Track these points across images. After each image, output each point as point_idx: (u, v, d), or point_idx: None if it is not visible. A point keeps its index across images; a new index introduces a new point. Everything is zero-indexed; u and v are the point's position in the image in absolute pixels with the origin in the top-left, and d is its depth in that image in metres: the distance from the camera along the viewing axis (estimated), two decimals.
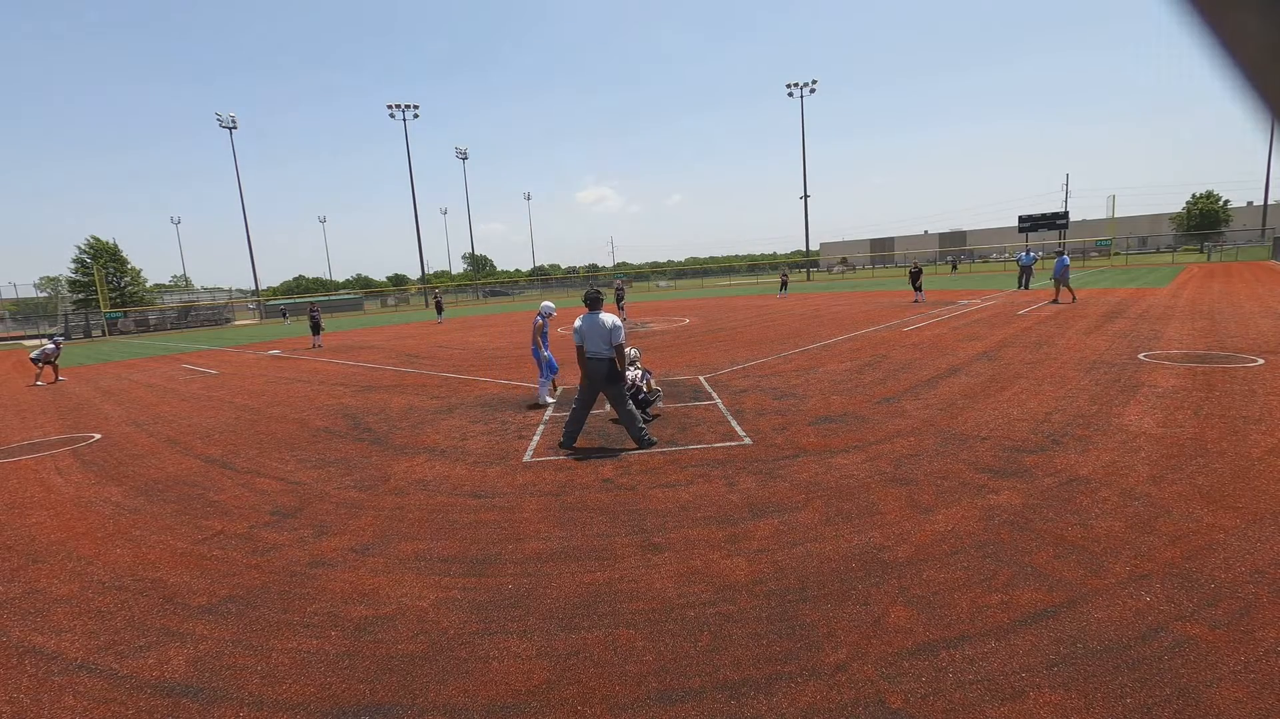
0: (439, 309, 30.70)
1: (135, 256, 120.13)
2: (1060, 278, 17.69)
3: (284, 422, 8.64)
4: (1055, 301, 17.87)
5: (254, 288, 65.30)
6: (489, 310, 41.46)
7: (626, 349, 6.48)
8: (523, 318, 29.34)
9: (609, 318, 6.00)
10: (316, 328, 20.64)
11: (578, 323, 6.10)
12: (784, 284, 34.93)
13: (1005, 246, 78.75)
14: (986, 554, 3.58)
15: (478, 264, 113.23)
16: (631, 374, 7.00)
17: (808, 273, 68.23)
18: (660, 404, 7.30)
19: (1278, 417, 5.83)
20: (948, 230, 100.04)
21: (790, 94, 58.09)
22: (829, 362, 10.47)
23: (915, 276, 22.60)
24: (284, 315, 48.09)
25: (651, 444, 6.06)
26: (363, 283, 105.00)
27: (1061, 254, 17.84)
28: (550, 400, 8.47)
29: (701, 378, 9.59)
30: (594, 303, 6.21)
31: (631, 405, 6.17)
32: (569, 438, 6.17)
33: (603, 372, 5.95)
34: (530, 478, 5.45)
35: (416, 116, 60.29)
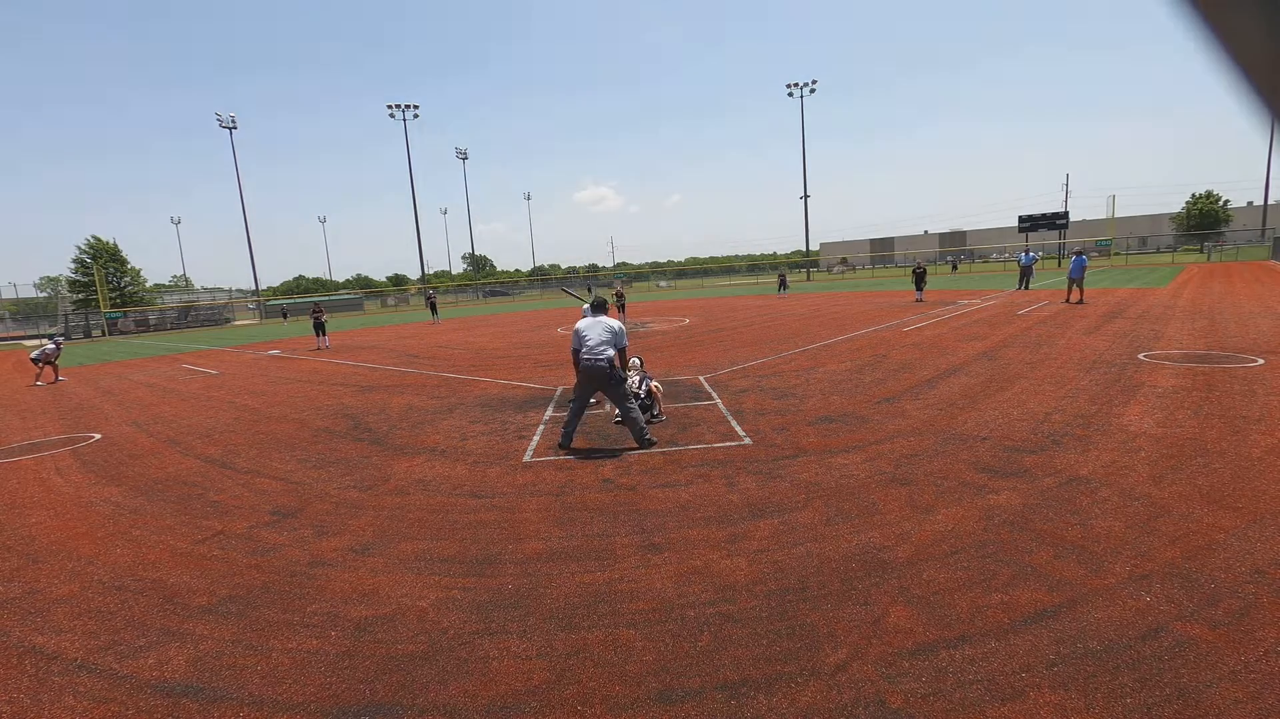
0: (433, 309, 30.66)
1: (135, 257, 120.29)
2: (1077, 278, 17.32)
3: (284, 422, 8.64)
4: (1068, 301, 17.61)
5: (254, 288, 65.32)
6: (489, 310, 41.45)
7: (631, 358, 6.57)
8: (522, 318, 29.35)
9: (612, 322, 6.13)
10: (320, 328, 20.24)
11: (579, 325, 6.18)
12: (783, 284, 34.91)
13: (1005, 246, 78.74)
14: (986, 554, 3.58)
15: (478, 264, 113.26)
16: (632, 377, 6.99)
17: (808, 273, 68.23)
18: (660, 407, 7.26)
19: (1278, 417, 5.83)
20: (948, 230, 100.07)
21: (790, 94, 58.17)
22: (829, 362, 10.47)
23: (920, 277, 22.64)
24: (284, 315, 48.10)
25: (652, 444, 6.06)
26: (363, 283, 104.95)
27: (1080, 254, 17.44)
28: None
29: (701, 378, 9.59)
30: (598, 308, 6.42)
31: (633, 403, 6.19)
32: (566, 439, 6.18)
33: (603, 376, 5.96)
34: (530, 478, 5.45)
35: (416, 116, 60.45)
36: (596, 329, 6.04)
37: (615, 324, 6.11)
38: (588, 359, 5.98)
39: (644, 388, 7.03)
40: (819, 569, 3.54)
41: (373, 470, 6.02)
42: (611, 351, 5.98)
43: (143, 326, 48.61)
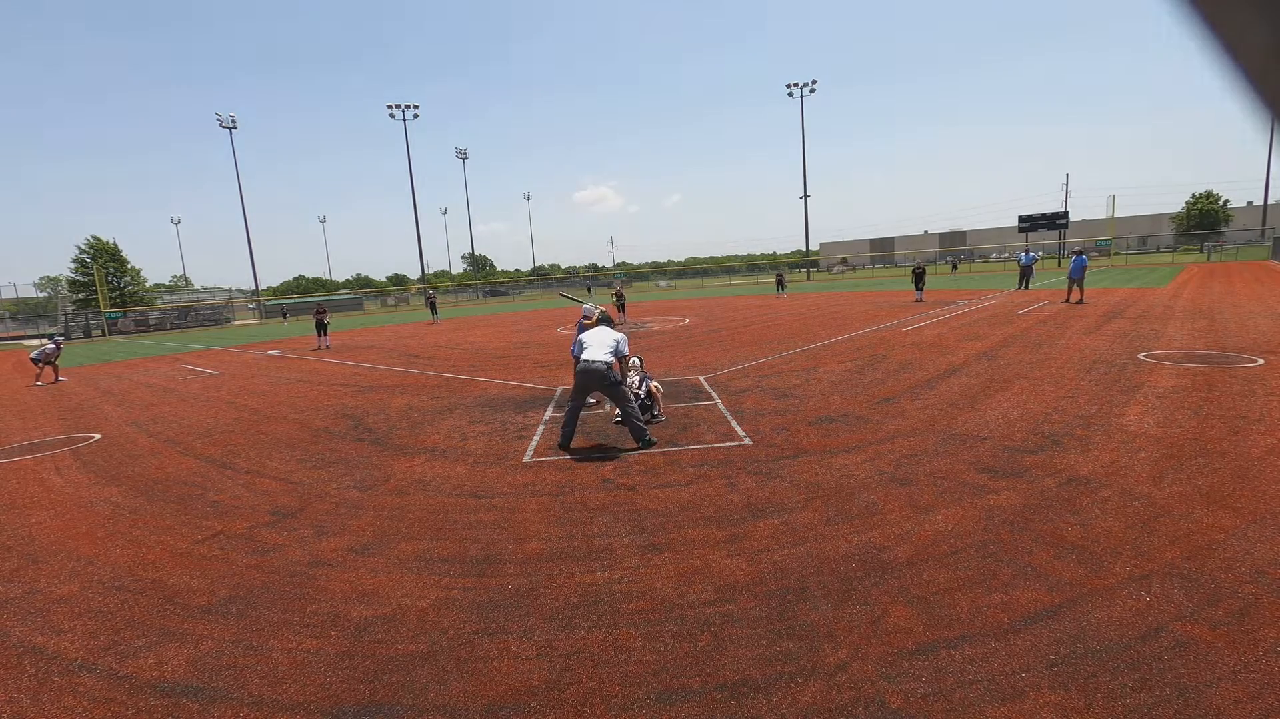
0: (433, 309, 30.71)
1: (135, 257, 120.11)
2: (1078, 278, 17.30)
3: (284, 422, 8.64)
4: (1068, 301, 17.59)
5: (254, 288, 65.32)
6: (489, 310, 41.45)
7: (631, 358, 6.73)
8: (522, 318, 29.35)
9: (617, 334, 6.34)
10: (322, 328, 20.24)
11: (583, 336, 6.35)
12: (780, 284, 34.86)
13: (1005, 246, 78.75)
14: (986, 554, 3.58)
15: (478, 264, 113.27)
16: (632, 377, 7.00)
17: (808, 273, 68.20)
18: (660, 407, 7.27)
19: (1278, 417, 5.83)
20: (948, 230, 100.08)
21: (790, 94, 58.13)
22: (829, 362, 10.47)
23: (920, 277, 22.67)
24: (284, 315, 48.10)
25: (652, 444, 6.07)
26: (363, 283, 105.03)
27: (1080, 254, 17.42)
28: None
29: (701, 378, 9.59)
30: (604, 321, 6.73)
31: (633, 403, 6.22)
32: (565, 439, 6.20)
33: (600, 375, 5.98)
34: (530, 478, 5.45)
35: (416, 117, 60.49)
36: (599, 338, 6.24)
37: (619, 336, 6.32)
38: (586, 361, 6.02)
39: (644, 388, 7.03)
40: (819, 569, 3.54)
41: (373, 470, 6.02)
42: (611, 358, 6.05)
43: (143, 327, 48.60)
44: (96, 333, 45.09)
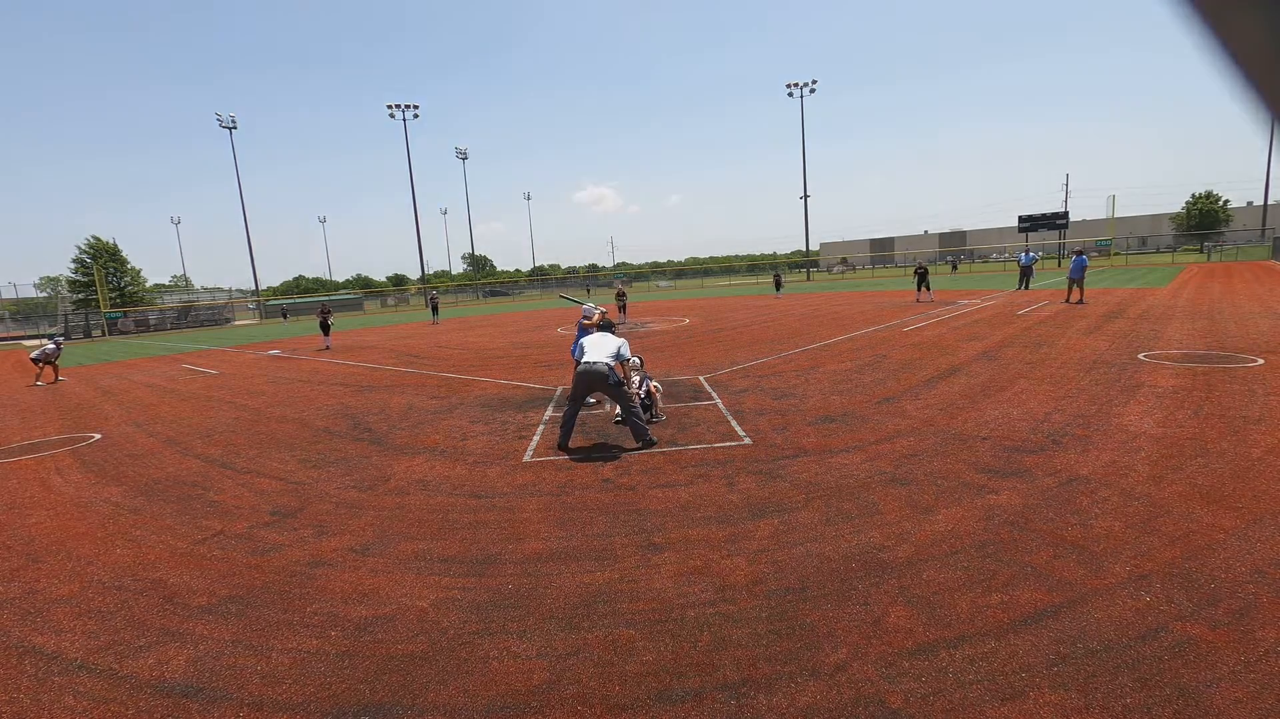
0: (434, 309, 30.80)
1: (135, 257, 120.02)
2: (1078, 278, 17.26)
3: (284, 422, 8.64)
4: (1068, 301, 17.56)
5: (254, 288, 65.33)
6: (489, 310, 41.45)
7: (631, 358, 6.73)
8: (522, 318, 29.36)
9: (619, 341, 6.37)
10: (326, 329, 20.30)
11: (584, 340, 6.36)
12: (778, 284, 34.83)
13: (1005, 247, 78.80)
14: (986, 554, 3.58)
15: (478, 264, 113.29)
16: (633, 378, 7.00)
17: (808, 273, 68.16)
18: (659, 407, 7.28)
19: (1278, 417, 5.83)
20: (948, 230, 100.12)
21: (790, 94, 58.15)
22: (829, 362, 10.47)
23: (922, 277, 22.63)
24: (284, 315, 48.11)
25: (652, 444, 6.07)
26: (363, 283, 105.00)
27: (1080, 254, 17.36)
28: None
29: (701, 378, 9.59)
30: (606, 328, 6.80)
31: (634, 403, 6.22)
32: (564, 439, 6.21)
33: (600, 377, 5.98)
34: (530, 478, 5.45)
35: (416, 117, 60.48)
36: (601, 340, 6.25)
37: (621, 341, 6.34)
38: (587, 362, 6.02)
39: (644, 388, 7.03)
40: (819, 569, 3.54)
41: (373, 470, 6.02)
42: (613, 360, 6.07)
43: (143, 327, 48.60)
44: (96, 333, 45.09)
